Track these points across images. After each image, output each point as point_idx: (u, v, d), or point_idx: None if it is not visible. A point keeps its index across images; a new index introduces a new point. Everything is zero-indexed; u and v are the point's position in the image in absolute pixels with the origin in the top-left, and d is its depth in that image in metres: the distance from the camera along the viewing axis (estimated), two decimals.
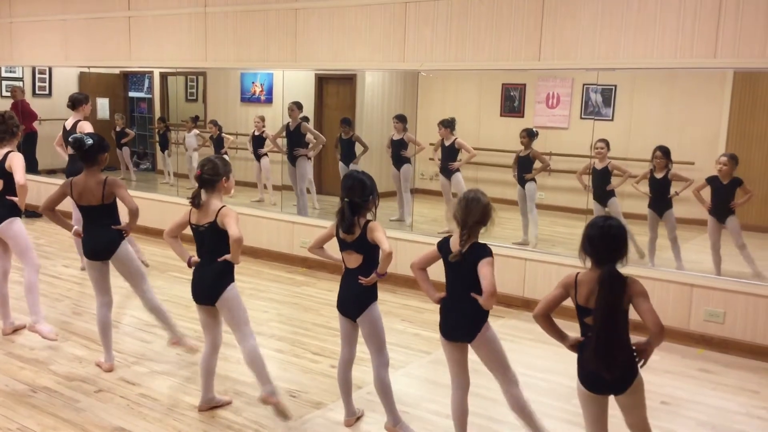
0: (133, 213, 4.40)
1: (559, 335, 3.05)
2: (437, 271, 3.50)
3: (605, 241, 2.86)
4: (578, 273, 2.95)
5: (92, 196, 4.38)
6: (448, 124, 7.88)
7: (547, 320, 3.03)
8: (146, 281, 4.59)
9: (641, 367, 2.94)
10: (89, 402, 4.12)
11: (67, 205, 4.81)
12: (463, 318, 3.39)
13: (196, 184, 3.89)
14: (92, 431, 3.77)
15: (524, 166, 7.57)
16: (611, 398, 3.01)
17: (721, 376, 4.88)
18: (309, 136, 8.48)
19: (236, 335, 3.95)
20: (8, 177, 4.95)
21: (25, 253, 5.05)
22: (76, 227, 4.65)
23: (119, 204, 4.46)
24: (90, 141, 4.34)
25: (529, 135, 7.54)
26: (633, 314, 2.91)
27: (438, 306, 3.52)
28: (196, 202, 3.85)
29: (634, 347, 2.92)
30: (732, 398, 4.52)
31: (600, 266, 2.87)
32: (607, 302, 2.81)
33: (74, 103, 6.87)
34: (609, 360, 2.83)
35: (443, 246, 3.45)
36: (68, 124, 6.87)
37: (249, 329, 3.96)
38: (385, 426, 3.86)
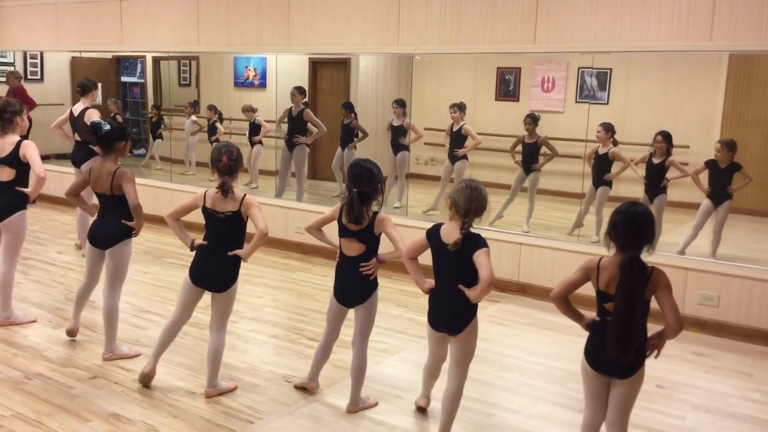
0: (134, 210, 4.31)
1: (576, 316, 3.09)
2: (426, 258, 3.48)
3: (629, 227, 2.85)
4: (601, 258, 2.96)
5: (103, 185, 4.33)
6: (463, 108, 7.79)
7: (564, 303, 3.07)
8: (121, 288, 4.51)
9: (655, 357, 2.96)
10: (84, 388, 4.10)
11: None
12: (453, 311, 3.35)
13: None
14: (87, 417, 3.75)
15: (530, 154, 7.44)
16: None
17: (715, 360, 4.89)
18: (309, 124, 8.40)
19: (216, 324, 3.99)
20: (21, 166, 4.84)
21: (15, 250, 4.97)
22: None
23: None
24: (106, 127, 4.27)
25: (534, 121, 7.41)
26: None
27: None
28: (226, 189, 3.79)
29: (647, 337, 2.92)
30: (726, 381, 4.54)
31: (623, 252, 2.86)
32: (628, 288, 2.80)
33: (83, 89, 6.78)
34: (625, 346, 2.83)
35: (433, 234, 3.38)
36: (76, 110, 6.78)
37: (227, 325, 4.06)
38: (348, 408, 3.91)
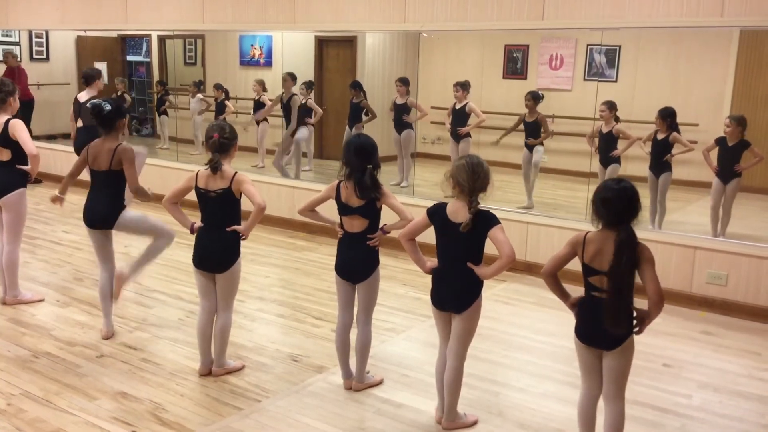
0: (133, 191, 4.32)
1: (562, 294, 3.13)
2: (426, 237, 3.45)
3: (622, 203, 2.88)
4: (587, 233, 2.99)
5: (102, 161, 4.34)
6: (466, 87, 7.73)
7: (553, 279, 3.11)
8: (165, 234, 4.52)
9: (637, 334, 2.98)
10: (91, 367, 4.12)
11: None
12: (460, 289, 3.34)
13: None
14: (94, 396, 3.78)
15: (531, 133, 7.41)
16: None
17: (723, 339, 4.87)
18: (310, 102, 8.36)
19: (221, 303, 3.98)
20: (14, 145, 4.82)
21: (18, 228, 4.97)
22: None
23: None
24: (108, 107, 4.32)
25: (535, 98, 7.35)
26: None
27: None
28: (216, 166, 3.78)
29: (635, 312, 2.96)
30: (734, 360, 4.52)
31: (612, 228, 2.89)
32: (625, 263, 2.83)
33: (87, 79, 6.97)
34: (621, 319, 2.89)
35: (436, 214, 3.36)
36: (81, 98, 6.92)
37: (233, 303, 4.06)
38: (354, 386, 3.91)
